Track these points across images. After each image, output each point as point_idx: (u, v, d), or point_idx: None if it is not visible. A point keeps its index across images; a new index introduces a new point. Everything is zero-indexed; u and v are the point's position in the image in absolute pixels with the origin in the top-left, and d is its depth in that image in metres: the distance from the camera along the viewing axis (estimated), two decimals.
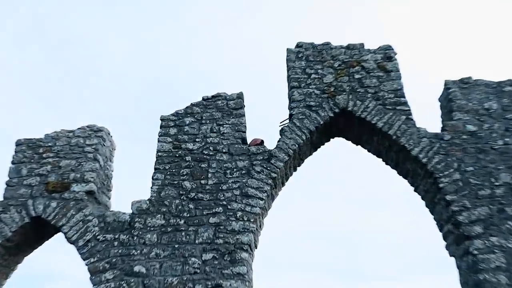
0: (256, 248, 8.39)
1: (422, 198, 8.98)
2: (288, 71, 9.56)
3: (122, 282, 7.70)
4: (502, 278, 7.41)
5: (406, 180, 9.17)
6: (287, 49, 9.75)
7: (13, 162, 8.89)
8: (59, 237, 8.85)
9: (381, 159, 9.32)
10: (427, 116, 9.55)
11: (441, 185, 8.11)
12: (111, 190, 9.24)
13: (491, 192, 8.00)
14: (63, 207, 8.27)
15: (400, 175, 9.19)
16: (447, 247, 8.55)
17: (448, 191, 8.05)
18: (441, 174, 8.17)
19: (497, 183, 8.05)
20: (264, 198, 8.17)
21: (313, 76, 9.35)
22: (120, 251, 7.90)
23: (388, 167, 9.30)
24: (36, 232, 8.64)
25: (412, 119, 8.79)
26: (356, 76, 9.30)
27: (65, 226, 8.16)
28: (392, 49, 9.59)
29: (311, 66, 9.47)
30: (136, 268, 7.75)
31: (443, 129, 8.83)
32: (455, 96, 9.04)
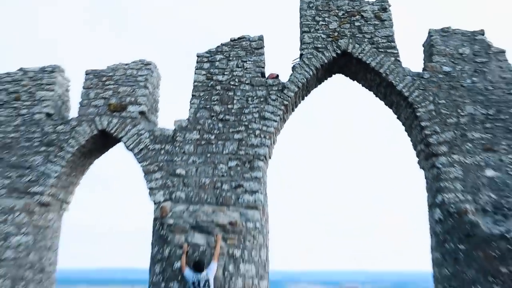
0: (270, 158, 9.40)
1: (403, 124, 9.77)
2: (300, 18, 10.03)
3: (167, 181, 8.87)
4: (458, 185, 8.33)
5: (391, 110, 9.95)
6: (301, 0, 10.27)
7: (83, 88, 9.84)
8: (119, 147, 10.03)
9: (372, 92, 10.03)
10: (412, 58, 10.17)
11: (418, 113, 8.88)
12: (158, 111, 10.20)
13: (457, 120, 8.75)
14: (122, 123, 9.34)
15: (386, 105, 9.91)
16: (419, 162, 9.45)
17: (423, 119, 8.84)
18: (418, 105, 8.92)
19: (462, 114, 8.77)
20: (277, 120, 9.04)
21: (320, 23, 9.91)
22: (165, 157, 9.00)
23: (377, 99, 10.05)
24: (103, 142, 9.77)
25: (399, 61, 9.41)
26: (356, 24, 9.84)
27: (124, 137, 9.25)
28: (387, 1, 10.03)
29: (319, 14, 10.01)
30: (178, 171, 8.88)
31: (423, 69, 9.43)
32: (436, 42, 9.60)
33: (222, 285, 7.83)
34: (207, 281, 7.45)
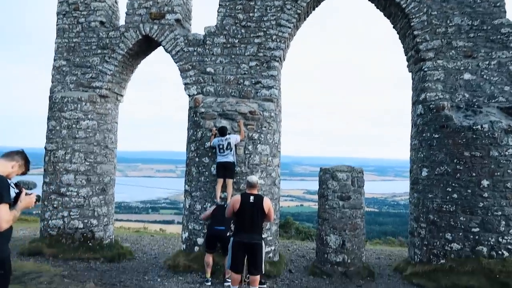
0: (284, 60, 9.23)
1: (398, 33, 9.25)
2: None
3: (199, 77, 8.90)
4: (439, 86, 8.13)
5: (389, 20, 9.43)
6: None
7: None
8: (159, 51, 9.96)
9: (373, 4, 9.45)
10: None
11: (412, 23, 8.36)
12: (191, 20, 9.91)
13: (445, 30, 8.25)
14: (161, 29, 9.13)
15: (385, 16, 9.32)
16: (408, 66, 9.16)
17: (416, 28, 8.36)
18: (413, 16, 8.35)
19: (450, 24, 8.24)
20: (291, 27, 8.66)
21: None
22: (197, 58, 8.91)
23: (378, 10, 9.48)
24: (146, 46, 9.67)
25: None
26: None
27: (163, 41, 9.10)
28: None
29: None
30: (208, 69, 8.85)
31: None
32: None
33: (243, 160, 8.23)
34: (229, 143, 7.89)
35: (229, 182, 7.84)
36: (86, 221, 9.22)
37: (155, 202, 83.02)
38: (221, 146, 7.87)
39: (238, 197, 5.73)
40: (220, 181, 7.87)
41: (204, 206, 8.15)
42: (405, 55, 9.22)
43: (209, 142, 8.28)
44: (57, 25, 9.73)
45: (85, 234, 9.14)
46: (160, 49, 9.79)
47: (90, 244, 9.07)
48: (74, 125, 9.29)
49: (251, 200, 5.63)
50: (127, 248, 9.95)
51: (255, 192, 5.81)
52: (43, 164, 9.40)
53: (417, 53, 8.46)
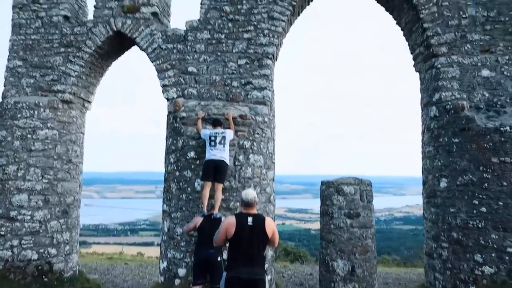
0: (276, 60, 7.96)
1: (402, 29, 8.17)
2: None
3: (180, 78, 7.49)
4: (454, 84, 7.02)
5: (392, 15, 8.34)
6: None
7: None
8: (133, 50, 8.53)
9: None
10: None
11: (421, 15, 7.25)
12: (170, 16, 8.50)
13: (458, 22, 7.19)
14: (135, 24, 7.71)
15: (387, 11, 8.25)
16: (415, 65, 8.03)
17: (426, 20, 7.25)
18: (422, 7, 7.26)
19: (464, 16, 7.20)
20: (285, 20, 7.42)
21: None
22: (177, 56, 7.51)
23: (379, 5, 8.39)
24: (118, 44, 8.20)
25: None
26: None
27: (138, 37, 7.66)
28: None
29: None
30: (190, 69, 7.46)
31: None
32: None
33: (233, 173, 6.78)
34: (224, 137, 6.40)
35: (219, 187, 6.27)
36: (42, 250, 7.48)
37: (134, 224, 79.67)
38: (213, 139, 6.36)
39: (232, 219, 4.23)
40: (208, 185, 6.26)
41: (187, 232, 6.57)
42: (411, 53, 8.10)
43: (192, 152, 6.79)
44: (12, 20, 8.19)
45: (40, 267, 7.38)
46: (134, 51, 8.34)
47: (46, 279, 7.30)
48: (29, 135, 7.65)
49: (250, 223, 4.16)
50: (94, 281, 8.23)
51: (254, 211, 4.34)
52: None
53: (428, 49, 7.34)
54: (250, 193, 4.32)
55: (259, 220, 4.23)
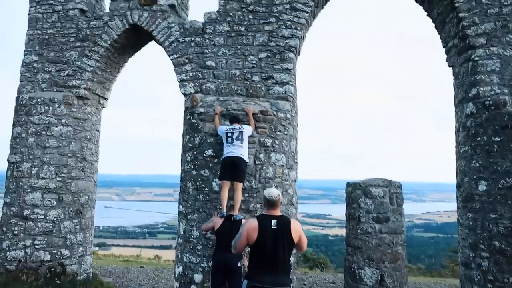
0: (299, 54, 7.51)
1: (433, 21, 7.58)
2: None
3: (198, 72, 7.13)
4: (494, 78, 6.40)
5: (422, 7, 7.78)
6: None
7: None
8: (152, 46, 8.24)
9: None
10: None
11: (456, 4, 6.70)
12: (188, 9, 8.20)
13: (499, 11, 6.59)
14: (152, 17, 7.41)
15: (417, 2, 7.73)
16: (448, 59, 7.43)
17: (462, 9, 6.68)
18: None
19: (505, 3, 6.60)
20: (308, 11, 6.99)
21: None
22: (195, 50, 7.15)
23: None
24: (135, 38, 7.92)
25: None
26: None
27: (154, 31, 7.37)
28: None
29: None
30: (208, 63, 7.08)
31: None
32: None
33: (253, 172, 6.34)
34: (241, 132, 5.97)
35: (238, 186, 5.82)
36: (55, 251, 7.20)
37: (153, 226, 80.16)
38: (229, 135, 5.95)
39: (254, 222, 3.77)
40: (227, 185, 5.84)
41: (204, 232, 6.15)
42: (444, 47, 7.51)
43: (210, 150, 6.40)
44: (29, 14, 8.02)
45: (53, 269, 7.09)
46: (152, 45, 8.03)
47: (58, 281, 7.00)
48: (43, 132, 7.41)
49: (274, 226, 3.70)
50: (108, 285, 7.91)
51: (278, 212, 3.88)
52: (5, 181, 7.43)
53: (463, 41, 6.74)
54: (273, 192, 3.87)
55: (284, 223, 3.77)
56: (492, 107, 6.26)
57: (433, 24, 7.69)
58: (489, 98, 6.33)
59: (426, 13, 7.72)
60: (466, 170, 6.72)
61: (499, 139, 6.13)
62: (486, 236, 6.11)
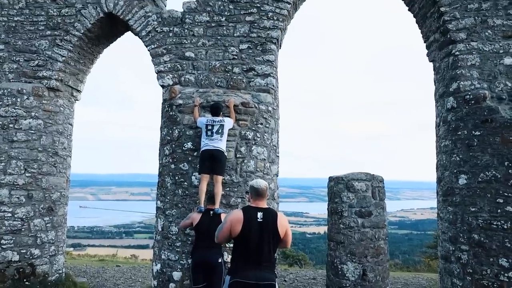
0: (280, 47, 7.35)
1: (414, 16, 7.60)
2: None
3: (176, 64, 6.86)
4: (474, 73, 6.42)
5: (403, 1, 7.76)
6: None
7: None
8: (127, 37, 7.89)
9: None
10: None
11: None
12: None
13: (479, 6, 6.63)
14: (128, 5, 7.05)
15: None
16: (428, 54, 7.45)
17: (443, 4, 6.67)
18: None
19: None
20: (290, 2, 6.86)
21: None
22: (174, 40, 6.87)
23: None
24: (110, 28, 7.56)
25: None
26: None
27: (131, 20, 7.04)
28: None
29: None
30: (187, 54, 6.81)
31: None
32: None
33: (234, 166, 6.13)
34: (221, 126, 5.76)
35: (218, 179, 5.60)
36: (24, 251, 6.78)
37: (129, 226, 78.66)
38: (209, 127, 5.73)
39: (238, 214, 3.57)
40: (206, 178, 5.62)
41: (182, 229, 5.89)
42: (425, 42, 7.50)
43: (189, 143, 6.15)
44: None
45: (21, 269, 6.68)
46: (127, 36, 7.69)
47: (28, 283, 6.59)
48: (11, 125, 6.97)
49: (259, 219, 3.51)
50: (82, 285, 7.54)
51: (264, 204, 3.69)
52: None
53: (444, 35, 6.75)
54: (261, 182, 3.69)
55: (271, 216, 3.58)
56: (472, 101, 6.28)
57: (414, 19, 7.68)
58: (469, 93, 6.34)
59: (407, 8, 7.70)
60: (446, 164, 6.72)
61: (479, 133, 6.15)
62: (466, 229, 6.12)
